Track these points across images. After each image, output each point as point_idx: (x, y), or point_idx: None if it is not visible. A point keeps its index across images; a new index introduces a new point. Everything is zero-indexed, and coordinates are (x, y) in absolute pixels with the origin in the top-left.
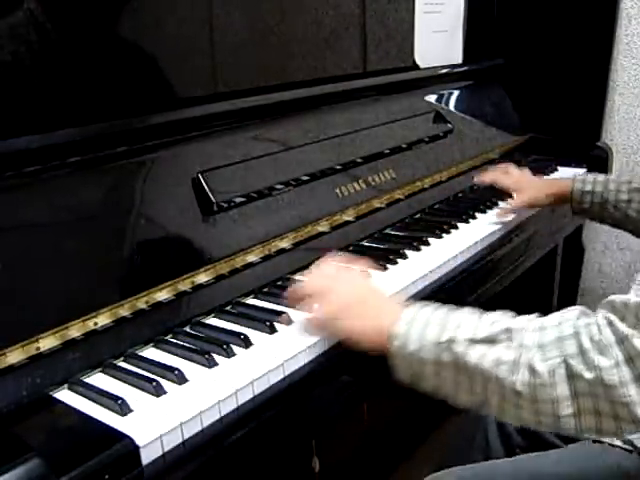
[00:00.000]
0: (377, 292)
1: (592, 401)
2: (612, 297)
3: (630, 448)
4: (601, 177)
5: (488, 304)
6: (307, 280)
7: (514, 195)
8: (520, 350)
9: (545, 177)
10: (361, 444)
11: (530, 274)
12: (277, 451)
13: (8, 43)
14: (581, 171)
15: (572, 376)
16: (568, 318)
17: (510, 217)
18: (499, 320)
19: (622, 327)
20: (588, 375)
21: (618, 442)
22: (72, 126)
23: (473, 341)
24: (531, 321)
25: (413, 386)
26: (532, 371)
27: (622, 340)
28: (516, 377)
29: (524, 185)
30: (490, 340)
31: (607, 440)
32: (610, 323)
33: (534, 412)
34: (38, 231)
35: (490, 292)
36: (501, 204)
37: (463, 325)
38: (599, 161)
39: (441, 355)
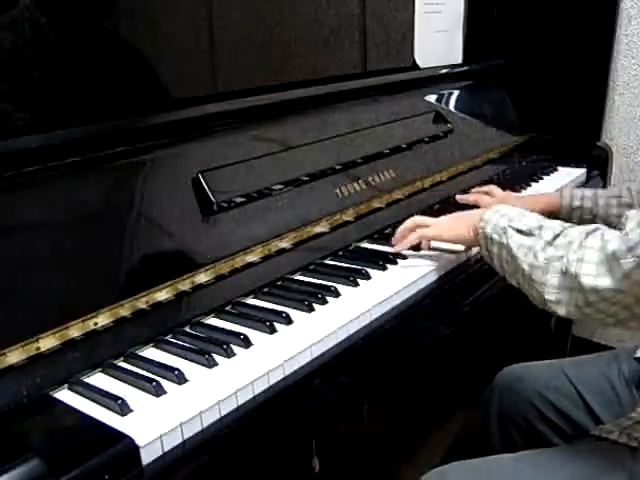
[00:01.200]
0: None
1: (570, 295)
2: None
3: (635, 445)
4: (589, 192)
5: (488, 303)
6: (414, 218)
7: None
8: (536, 240)
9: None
10: (361, 444)
11: None
12: (277, 451)
13: (8, 43)
14: (581, 171)
15: (564, 272)
16: (587, 231)
17: None
18: (543, 221)
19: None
20: (572, 270)
21: (623, 439)
22: (72, 126)
23: (518, 231)
24: (563, 227)
25: (490, 264)
26: (535, 256)
27: (603, 247)
28: (526, 258)
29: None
30: (527, 232)
31: (612, 437)
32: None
33: (531, 289)
34: (38, 231)
35: (491, 291)
36: None
37: (523, 220)
38: (599, 161)
39: (501, 237)
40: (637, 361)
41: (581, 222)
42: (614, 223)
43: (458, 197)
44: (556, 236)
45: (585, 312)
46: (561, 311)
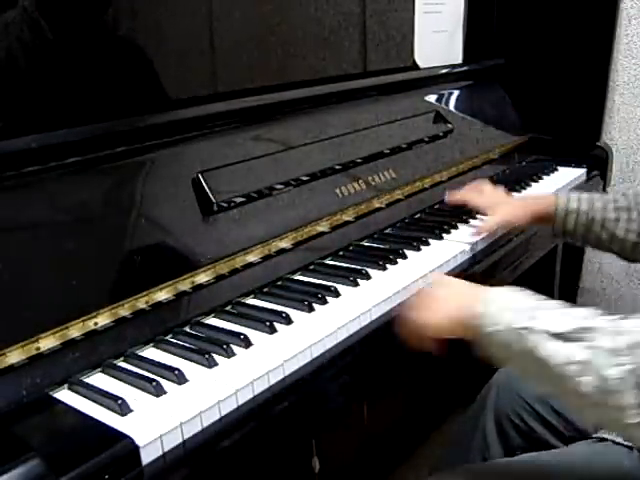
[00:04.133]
0: (457, 284)
1: None
2: None
3: (630, 445)
4: (585, 195)
5: None
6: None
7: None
8: (592, 352)
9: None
10: (361, 444)
11: (530, 274)
12: (277, 451)
13: (7, 44)
14: (581, 171)
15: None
16: None
17: (481, 237)
18: (578, 317)
19: None
20: None
21: (620, 439)
22: (72, 126)
23: (548, 333)
24: (611, 321)
25: (492, 363)
26: (600, 376)
27: None
28: (584, 379)
29: (498, 204)
30: (565, 337)
31: (610, 437)
32: None
33: (598, 415)
34: (38, 231)
35: None
36: None
37: (540, 317)
38: (599, 161)
39: (522, 341)
40: None
41: (577, 226)
42: (612, 228)
43: (447, 199)
44: (613, 339)
45: None
46: None
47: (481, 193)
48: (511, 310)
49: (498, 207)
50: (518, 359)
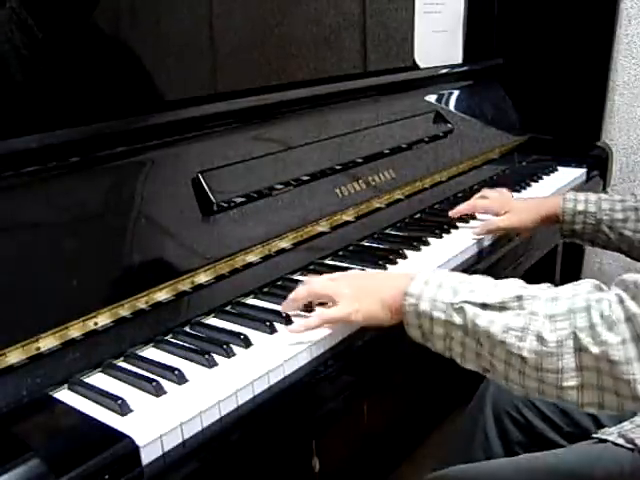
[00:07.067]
0: (380, 272)
1: (596, 376)
2: (624, 276)
3: (631, 447)
4: (593, 196)
5: None
6: (311, 284)
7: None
8: (530, 318)
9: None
10: (361, 444)
11: (530, 274)
12: (277, 451)
13: (5, 43)
14: (581, 171)
15: (580, 349)
16: (581, 291)
17: (487, 236)
18: (511, 287)
19: (632, 305)
20: (595, 350)
21: (620, 441)
22: (72, 126)
23: (484, 306)
24: (544, 290)
25: (424, 344)
26: (540, 339)
27: (630, 318)
28: (523, 344)
29: (510, 207)
30: (501, 306)
31: (610, 439)
32: (621, 300)
33: (538, 380)
34: (38, 231)
35: None
36: None
37: (476, 290)
38: (599, 161)
39: (452, 316)
40: None
41: (584, 227)
42: (619, 228)
43: (451, 213)
44: (547, 306)
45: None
46: (586, 397)
47: (487, 198)
48: (446, 287)
49: (511, 211)
50: (455, 333)
